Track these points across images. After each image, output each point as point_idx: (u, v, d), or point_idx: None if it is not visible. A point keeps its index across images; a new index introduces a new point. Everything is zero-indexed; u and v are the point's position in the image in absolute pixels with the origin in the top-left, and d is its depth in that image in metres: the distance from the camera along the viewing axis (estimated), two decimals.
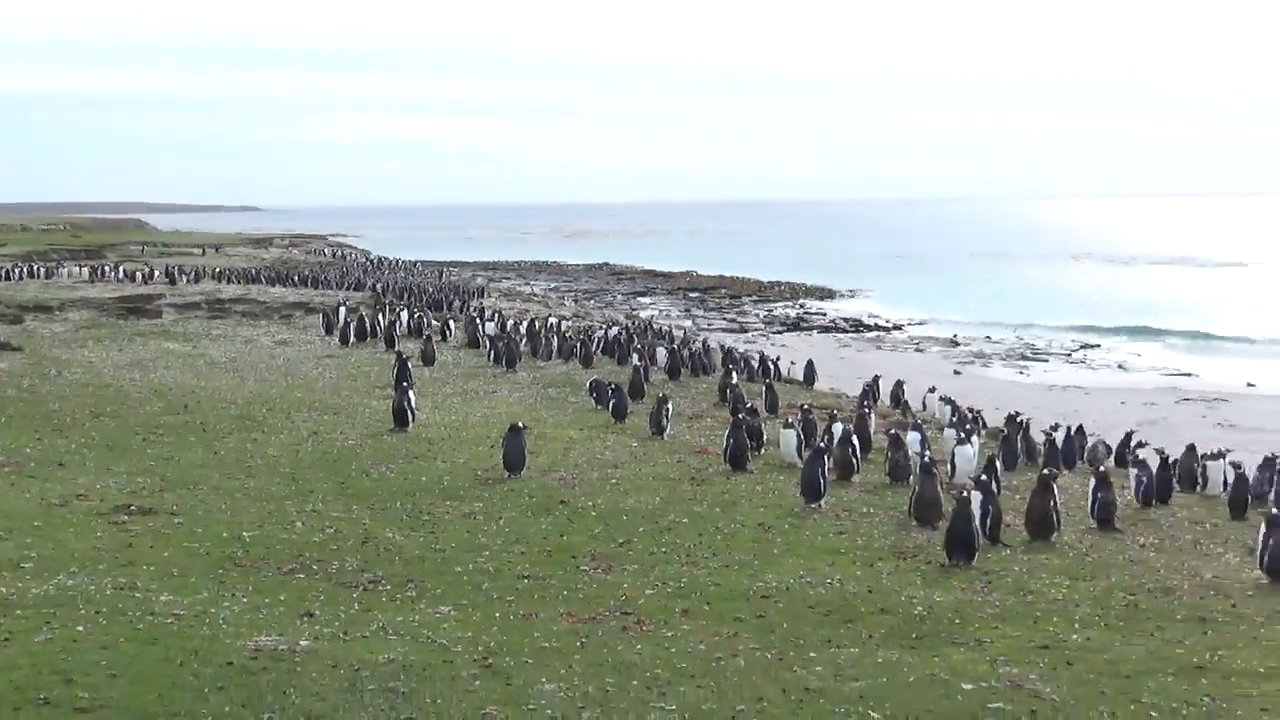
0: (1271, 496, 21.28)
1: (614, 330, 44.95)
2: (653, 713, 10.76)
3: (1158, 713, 11.16)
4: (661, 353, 38.70)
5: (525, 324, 45.65)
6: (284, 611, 13.33)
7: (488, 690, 11.13)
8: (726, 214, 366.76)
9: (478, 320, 45.51)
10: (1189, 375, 50.23)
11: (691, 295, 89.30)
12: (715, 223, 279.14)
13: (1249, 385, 46.49)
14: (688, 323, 67.76)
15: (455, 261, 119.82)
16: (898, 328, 69.13)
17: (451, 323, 46.46)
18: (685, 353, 39.02)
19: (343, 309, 47.12)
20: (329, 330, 44.62)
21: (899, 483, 21.78)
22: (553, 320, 48.55)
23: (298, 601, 13.75)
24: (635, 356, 36.83)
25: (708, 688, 11.41)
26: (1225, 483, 22.78)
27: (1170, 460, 23.23)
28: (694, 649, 12.58)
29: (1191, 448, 24.55)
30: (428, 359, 36.57)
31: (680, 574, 15.61)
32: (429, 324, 45.36)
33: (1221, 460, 23.69)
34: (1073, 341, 62.61)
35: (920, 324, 70.39)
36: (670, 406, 26.89)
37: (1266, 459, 23.54)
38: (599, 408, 29.02)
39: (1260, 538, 16.62)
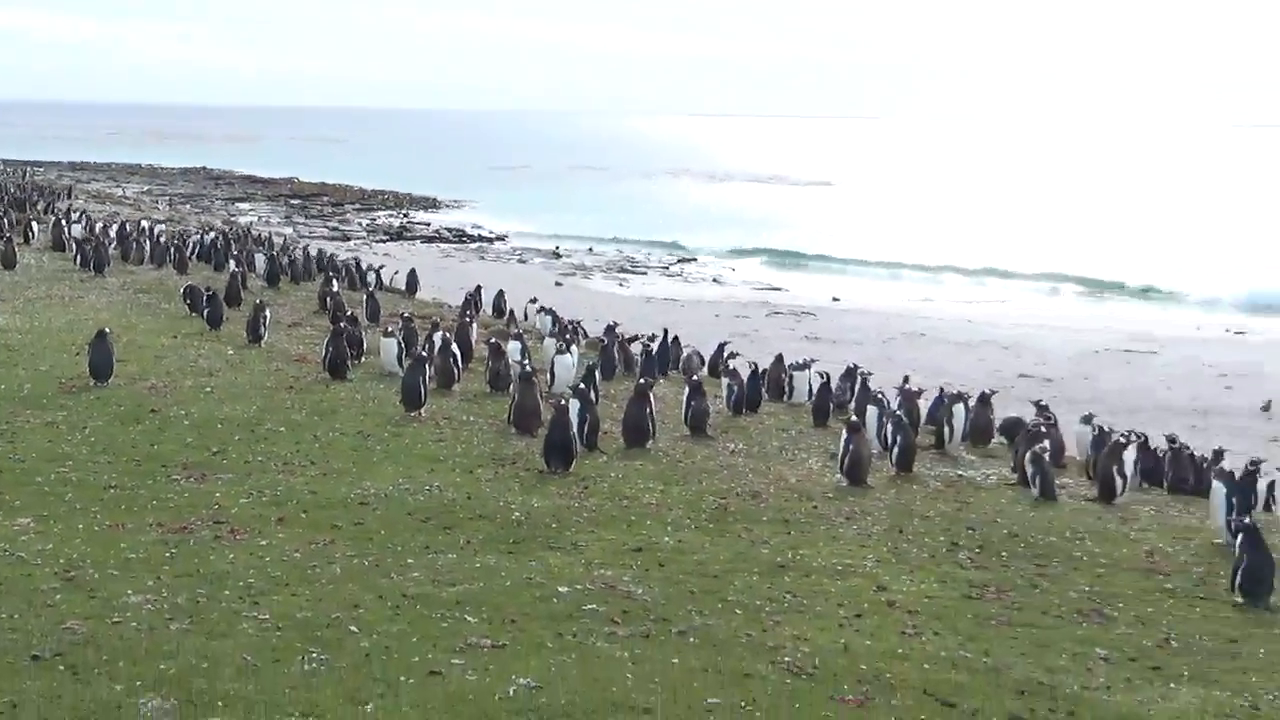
0: (851, 405, 22.30)
1: (210, 235, 43.48)
2: (245, 622, 10.54)
3: (742, 610, 11.63)
4: (260, 259, 37.70)
5: (115, 227, 43.66)
6: None
7: (70, 604, 10.71)
8: (330, 120, 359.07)
9: (63, 222, 43.26)
10: (779, 290, 52.18)
11: (293, 202, 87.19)
12: (318, 129, 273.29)
13: (834, 300, 48.64)
14: (288, 229, 66.14)
15: (40, 161, 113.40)
16: (501, 239, 69.32)
17: (35, 224, 44.11)
18: (285, 260, 38.18)
19: None
20: None
21: (499, 391, 21.90)
22: (145, 224, 46.62)
23: None
24: (233, 263, 35.82)
25: (303, 596, 11.27)
26: (810, 391, 23.81)
27: (760, 370, 24.09)
28: (289, 557, 12.38)
29: (780, 358, 25.48)
30: (8, 262, 34.64)
31: (277, 482, 15.33)
32: (10, 225, 42.92)
33: (807, 370, 24.70)
34: (670, 255, 64.14)
35: (524, 235, 70.78)
36: (268, 314, 26.25)
37: (848, 369, 24.67)
38: (193, 315, 28.11)
39: (841, 443, 17.55)
